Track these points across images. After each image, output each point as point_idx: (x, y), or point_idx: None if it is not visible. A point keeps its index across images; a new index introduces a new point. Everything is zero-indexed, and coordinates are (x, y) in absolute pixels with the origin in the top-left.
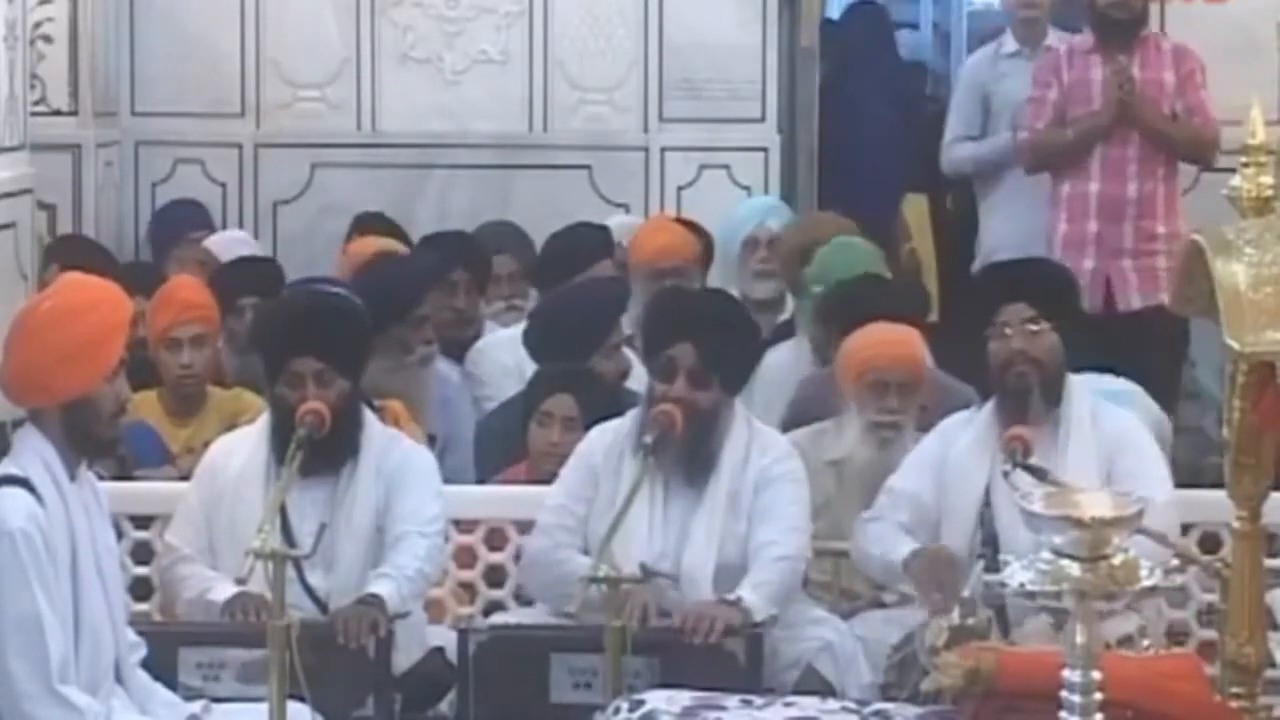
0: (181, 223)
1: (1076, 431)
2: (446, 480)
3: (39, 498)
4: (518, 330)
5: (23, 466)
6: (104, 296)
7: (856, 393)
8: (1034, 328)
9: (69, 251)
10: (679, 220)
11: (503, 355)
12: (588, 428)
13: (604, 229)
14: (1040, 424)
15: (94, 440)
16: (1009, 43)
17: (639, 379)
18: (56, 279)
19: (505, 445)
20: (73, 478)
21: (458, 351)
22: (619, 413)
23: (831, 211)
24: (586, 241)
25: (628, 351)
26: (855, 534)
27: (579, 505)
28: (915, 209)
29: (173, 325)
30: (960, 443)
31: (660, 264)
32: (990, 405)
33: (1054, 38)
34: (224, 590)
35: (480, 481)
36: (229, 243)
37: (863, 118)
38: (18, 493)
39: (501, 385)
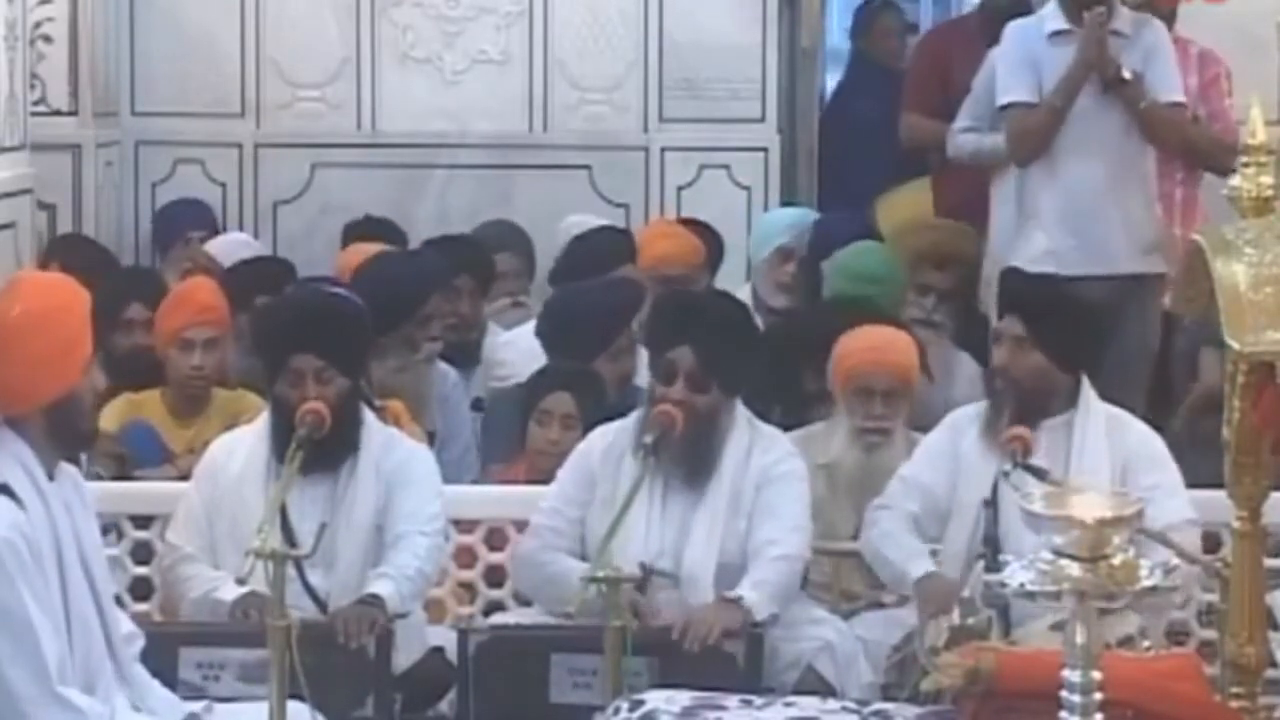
0: (184, 222)
1: (1092, 438)
2: (444, 475)
3: (19, 502)
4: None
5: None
6: (73, 296)
7: (844, 398)
8: (1021, 346)
9: (68, 251)
10: (685, 221)
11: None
12: (586, 426)
13: (626, 233)
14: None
15: (78, 435)
16: None
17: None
18: (10, 281)
19: (511, 429)
20: (51, 476)
21: (461, 355)
22: (619, 411)
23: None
24: (608, 245)
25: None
26: (867, 524)
27: (572, 508)
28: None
29: (187, 326)
30: (968, 438)
31: (665, 271)
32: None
33: None
34: (230, 590)
35: (483, 462)
36: (231, 245)
37: (867, 118)
38: None
39: (529, 368)
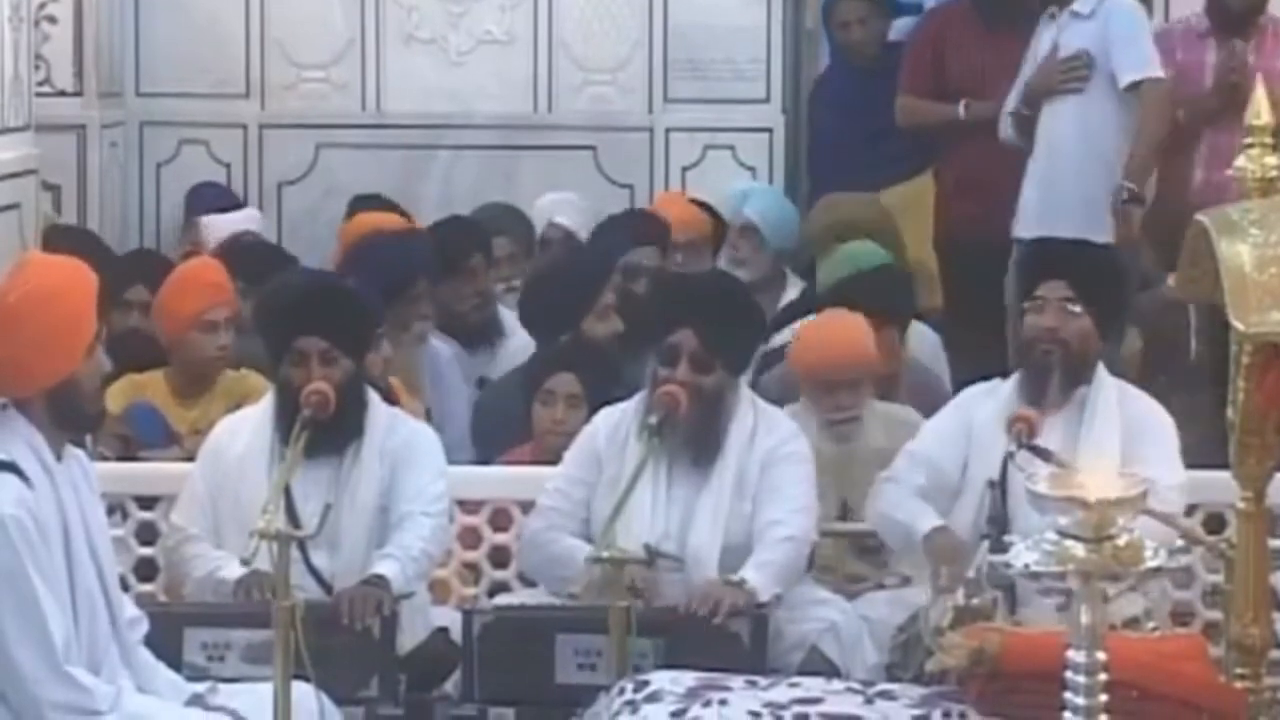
0: (213, 206)
1: (1102, 414)
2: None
3: (26, 480)
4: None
5: (7, 451)
6: (75, 277)
7: (809, 391)
8: (1070, 308)
9: (62, 243)
10: (689, 201)
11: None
12: (590, 403)
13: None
14: (1058, 406)
15: (82, 417)
16: None
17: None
18: (17, 263)
19: (504, 421)
20: (59, 457)
21: (479, 336)
22: (622, 386)
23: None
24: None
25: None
26: (872, 495)
27: (577, 489)
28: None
29: (208, 308)
30: (981, 415)
31: (676, 237)
32: (1013, 380)
33: None
34: (234, 569)
35: (482, 460)
36: (239, 221)
37: (864, 99)
38: (5, 478)
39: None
